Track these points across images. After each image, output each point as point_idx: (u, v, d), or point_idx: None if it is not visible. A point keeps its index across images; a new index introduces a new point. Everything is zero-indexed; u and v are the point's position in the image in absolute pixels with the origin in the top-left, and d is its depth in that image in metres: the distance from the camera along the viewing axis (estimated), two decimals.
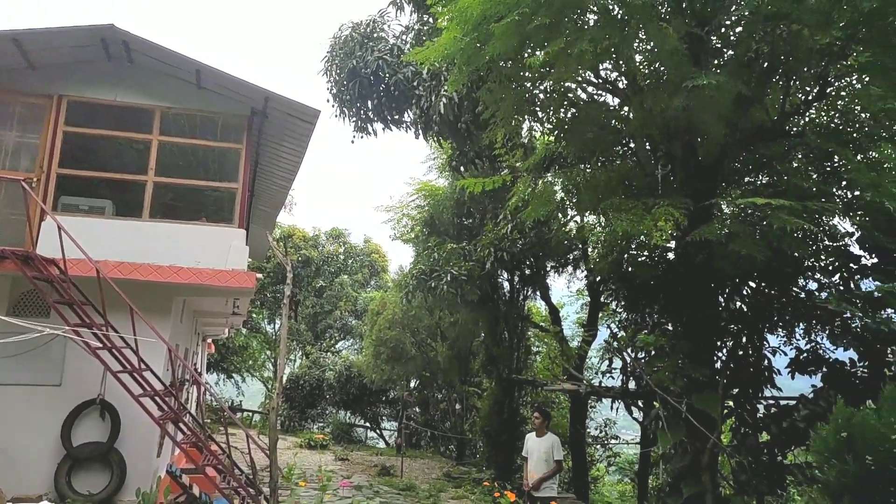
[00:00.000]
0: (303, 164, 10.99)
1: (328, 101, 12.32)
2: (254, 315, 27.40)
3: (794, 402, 7.71)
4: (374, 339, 20.89)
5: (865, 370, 7.80)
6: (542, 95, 9.02)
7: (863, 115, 7.84)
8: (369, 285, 32.51)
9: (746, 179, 9.19)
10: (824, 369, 8.13)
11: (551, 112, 9.23)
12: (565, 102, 9.06)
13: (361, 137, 12.66)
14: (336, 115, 12.42)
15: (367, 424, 26.50)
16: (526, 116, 9.36)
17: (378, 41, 11.89)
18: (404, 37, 12.09)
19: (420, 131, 11.96)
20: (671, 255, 9.52)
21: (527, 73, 8.48)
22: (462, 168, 12.94)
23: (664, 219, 7.12)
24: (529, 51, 7.87)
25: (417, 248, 17.25)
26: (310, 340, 30.05)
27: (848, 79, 7.82)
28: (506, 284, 16.20)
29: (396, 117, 12.11)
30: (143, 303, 8.22)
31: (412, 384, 23.60)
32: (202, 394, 10.88)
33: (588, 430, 16.26)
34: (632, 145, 9.09)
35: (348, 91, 11.74)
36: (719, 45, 7.84)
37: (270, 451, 8.25)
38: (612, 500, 17.49)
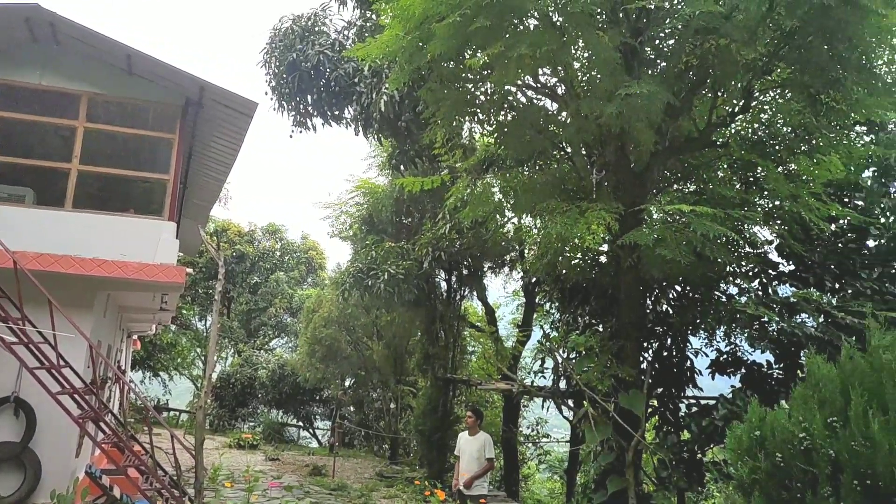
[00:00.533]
0: (239, 157, 10.74)
1: (266, 93, 12.10)
2: (184, 311, 26.56)
3: (713, 402, 8.06)
4: (308, 337, 20.61)
5: (780, 372, 8.24)
6: (482, 97, 9.11)
7: (784, 129, 8.28)
8: (306, 282, 32.05)
9: (675, 186, 9.54)
10: (742, 370, 8.56)
11: (491, 114, 9.34)
12: (505, 105, 9.18)
13: (301, 132, 12.49)
14: (275, 109, 12.21)
15: (300, 424, 26.11)
16: (466, 117, 9.45)
17: (319, 35, 11.75)
18: (346, 32, 11.99)
19: (360, 128, 11.89)
20: (603, 259, 9.79)
21: (468, 75, 8.56)
22: (402, 167, 12.94)
23: (597, 222, 7.32)
24: (470, 52, 7.95)
25: (355, 246, 17.13)
26: (242, 338, 29.38)
27: (771, 93, 8.25)
28: (443, 284, 16.28)
29: (336, 113, 12.00)
30: (64, 296, 7.83)
31: (347, 383, 23.42)
32: (125, 392, 10.49)
33: (520, 429, 16.51)
34: (568, 150, 9.30)
35: (287, 84, 11.55)
36: (653, 57, 8.12)
37: (196, 452, 8.01)
38: (542, 497, 17.81)
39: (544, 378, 10.33)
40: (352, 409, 23.67)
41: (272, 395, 24.37)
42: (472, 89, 8.88)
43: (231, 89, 9.09)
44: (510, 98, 9.16)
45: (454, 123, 9.45)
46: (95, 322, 8.81)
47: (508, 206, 10.38)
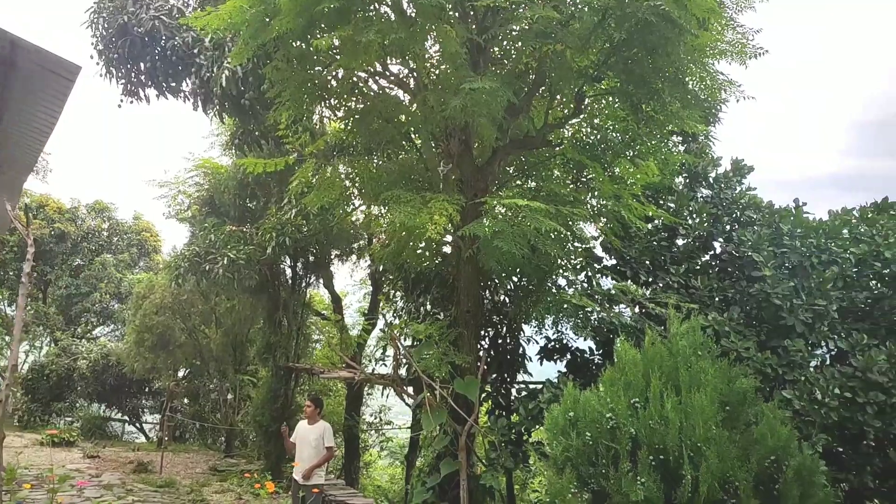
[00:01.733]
0: (62, 126, 9.66)
1: (92, 57, 10.97)
2: None
3: (540, 386, 8.58)
4: (137, 325, 19.11)
5: (600, 357, 8.95)
6: (333, 82, 8.95)
7: (612, 135, 8.95)
8: (138, 266, 29.64)
9: (517, 182, 9.99)
10: (568, 356, 9.19)
11: (342, 100, 9.21)
12: (356, 91, 9.09)
13: (131, 102, 11.48)
14: (102, 75, 11.11)
15: (126, 418, 24.29)
16: (315, 101, 9.23)
17: None
18: None
19: (200, 103, 11.17)
20: (447, 249, 10.03)
21: (318, 57, 8.35)
22: (246, 147, 12.37)
23: (439, 213, 7.47)
24: (319, 33, 7.76)
25: (194, 229, 16.13)
26: (60, 325, 26.60)
27: (603, 101, 8.88)
28: (288, 271, 15.82)
29: (173, 85, 11.16)
30: None
31: (181, 373, 22.07)
32: None
33: (363, 417, 16.54)
34: (417, 141, 9.41)
35: (117, 49, 10.55)
36: (499, 56, 8.43)
37: None
38: (382, 483, 18.00)
39: (385, 366, 10.42)
40: (186, 401, 22.37)
41: (94, 387, 22.42)
42: (322, 72, 8.68)
43: (53, 49, 8.15)
44: (361, 85, 9.08)
45: (302, 106, 9.19)
46: None
47: (356, 193, 10.30)
